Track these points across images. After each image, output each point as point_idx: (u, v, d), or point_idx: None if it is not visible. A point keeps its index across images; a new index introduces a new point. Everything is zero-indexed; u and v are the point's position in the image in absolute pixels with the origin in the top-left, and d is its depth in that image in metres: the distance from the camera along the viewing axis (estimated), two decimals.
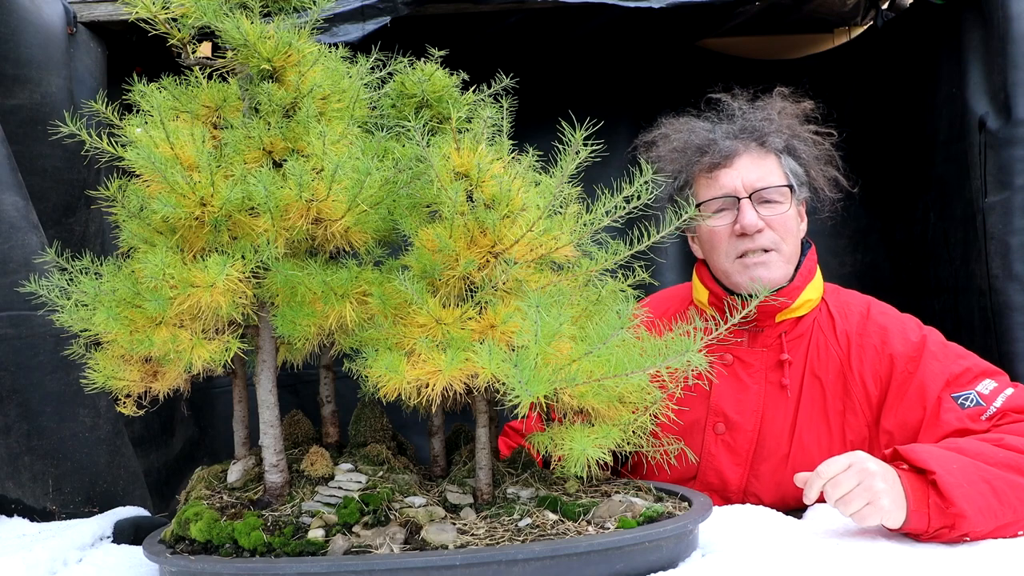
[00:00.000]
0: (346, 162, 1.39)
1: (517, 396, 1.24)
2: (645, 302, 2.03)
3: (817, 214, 2.14)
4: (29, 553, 1.62)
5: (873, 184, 3.00)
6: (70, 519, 2.02)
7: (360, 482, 1.48)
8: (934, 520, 1.52)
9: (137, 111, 1.49)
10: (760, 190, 1.96)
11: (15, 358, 2.01)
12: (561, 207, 1.48)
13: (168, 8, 1.47)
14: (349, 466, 1.54)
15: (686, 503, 1.55)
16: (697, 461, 1.98)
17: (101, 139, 1.43)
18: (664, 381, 1.45)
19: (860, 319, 1.98)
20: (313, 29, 1.54)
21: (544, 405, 1.36)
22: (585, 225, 1.49)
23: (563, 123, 1.38)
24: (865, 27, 3.15)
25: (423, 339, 1.37)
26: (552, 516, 1.44)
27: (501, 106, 1.50)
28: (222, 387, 2.81)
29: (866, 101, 3.13)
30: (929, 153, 2.79)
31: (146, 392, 1.54)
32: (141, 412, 1.55)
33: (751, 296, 1.44)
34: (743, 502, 1.94)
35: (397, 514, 1.41)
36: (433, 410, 1.60)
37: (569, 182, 1.45)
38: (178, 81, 1.54)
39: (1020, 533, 1.58)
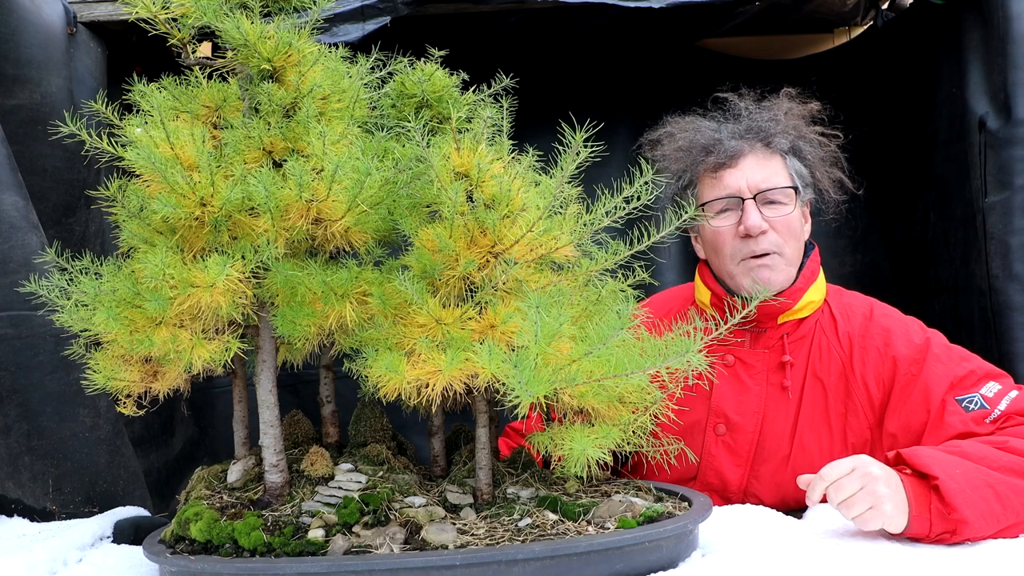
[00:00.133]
0: (346, 162, 1.39)
1: (517, 396, 1.24)
2: (646, 302, 2.03)
3: (821, 215, 2.13)
4: (29, 553, 1.62)
5: (873, 184, 2.99)
6: (70, 519, 2.02)
7: (360, 482, 1.48)
8: (936, 525, 1.52)
9: (137, 111, 1.49)
10: (765, 191, 1.96)
11: (15, 358, 2.01)
12: (561, 207, 1.48)
13: (168, 8, 1.46)
14: (349, 466, 1.54)
15: (686, 503, 1.55)
16: (697, 461, 1.98)
17: (101, 139, 1.43)
18: (664, 381, 1.45)
19: (863, 321, 1.98)
20: (313, 29, 1.54)
21: (544, 405, 1.36)
22: (585, 225, 1.49)
23: (563, 123, 1.38)
24: (865, 27, 3.15)
25: (423, 339, 1.37)
26: (552, 516, 1.44)
27: (501, 106, 1.50)
28: (222, 387, 2.81)
29: (866, 101, 3.13)
30: (929, 153, 2.79)
31: (146, 392, 1.54)
32: (141, 412, 1.55)
33: (753, 297, 1.44)
34: (743, 503, 1.94)
35: (397, 514, 1.41)
36: (433, 410, 1.60)
37: (569, 182, 1.45)
38: (178, 81, 1.54)
39: (1023, 535, 1.58)
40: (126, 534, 1.85)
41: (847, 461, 1.58)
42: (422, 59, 1.69)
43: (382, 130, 1.62)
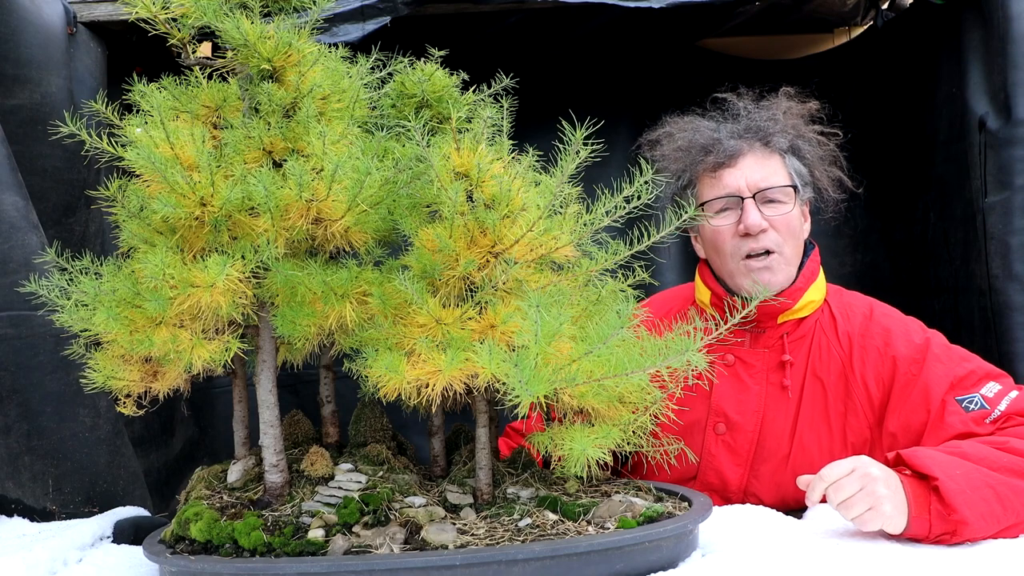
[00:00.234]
0: (346, 162, 1.39)
1: (517, 396, 1.24)
2: (646, 302, 2.03)
3: (821, 214, 2.13)
4: (29, 553, 1.62)
5: (873, 184, 3.00)
6: (70, 519, 2.02)
7: (360, 482, 1.48)
8: (935, 526, 1.52)
9: (137, 111, 1.49)
10: (764, 190, 1.96)
11: (15, 358, 2.01)
12: (561, 207, 1.48)
13: (168, 8, 1.46)
14: (349, 466, 1.54)
15: (686, 503, 1.55)
16: (697, 461, 1.98)
17: (101, 139, 1.43)
18: (664, 381, 1.45)
19: (863, 320, 1.98)
20: (313, 29, 1.54)
21: (544, 405, 1.36)
22: (585, 225, 1.49)
23: (563, 123, 1.38)
24: (865, 27, 3.15)
25: (423, 339, 1.37)
26: (552, 516, 1.44)
27: (501, 106, 1.50)
28: (222, 387, 2.81)
29: (866, 101, 3.13)
30: (929, 153, 2.79)
31: (146, 392, 1.54)
32: (141, 412, 1.55)
33: (753, 297, 1.44)
34: (743, 502, 1.94)
35: (397, 514, 1.41)
36: (433, 410, 1.60)
37: (569, 182, 1.45)
38: (178, 81, 1.54)
39: (1023, 535, 1.58)
40: (126, 534, 1.85)
41: (847, 462, 1.58)
42: (422, 59, 1.69)
43: (382, 130, 1.62)
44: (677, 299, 2.19)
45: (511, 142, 1.48)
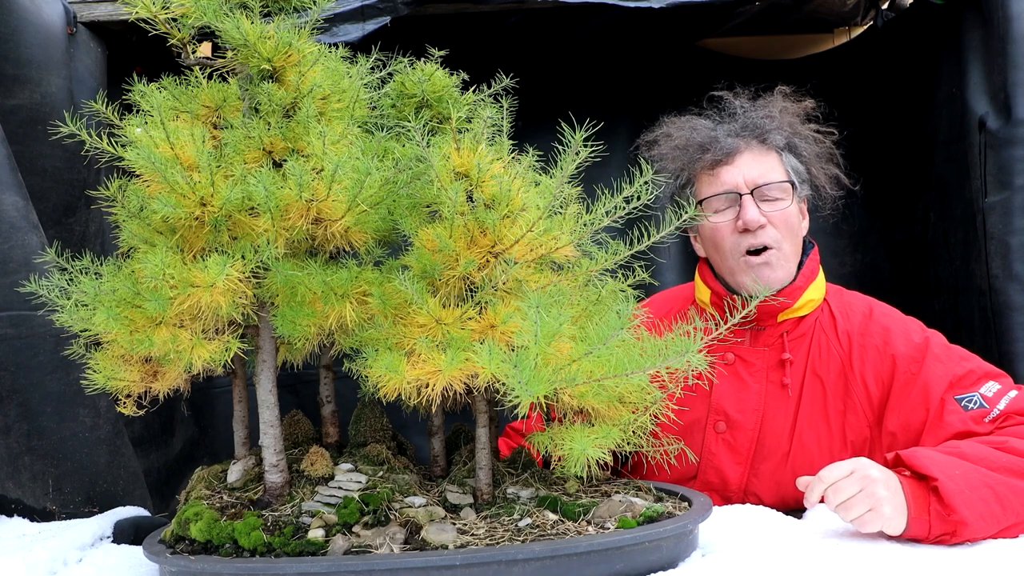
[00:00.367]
0: (346, 162, 1.39)
1: (517, 396, 1.24)
2: (646, 302, 2.03)
3: (819, 212, 2.14)
4: (29, 553, 1.62)
5: (873, 184, 3.00)
6: (70, 519, 2.01)
7: (360, 482, 1.48)
8: (935, 527, 1.52)
9: (137, 111, 1.49)
10: (761, 186, 1.97)
11: (15, 358, 2.01)
12: (561, 207, 1.48)
13: (168, 8, 1.46)
14: (349, 466, 1.54)
15: (686, 503, 1.55)
16: (697, 461, 1.98)
17: (101, 139, 1.43)
18: (664, 381, 1.45)
19: (862, 319, 1.98)
20: (313, 29, 1.54)
21: (544, 405, 1.36)
22: (585, 225, 1.49)
23: (563, 123, 1.38)
24: (865, 27, 3.15)
25: (423, 339, 1.37)
26: (552, 516, 1.44)
27: (501, 106, 1.50)
28: (222, 387, 2.81)
29: (866, 101, 3.13)
30: (929, 153, 2.79)
31: (146, 392, 1.54)
32: (141, 412, 1.55)
33: (753, 296, 1.44)
34: (743, 502, 1.94)
35: (397, 514, 1.41)
36: (433, 410, 1.60)
37: (569, 182, 1.45)
38: (178, 81, 1.54)
39: (1022, 535, 1.58)
40: (126, 534, 1.85)
41: (846, 463, 1.58)
42: (422, 59, 1.69)
43: (382, 130, 1.62)
44: (677, 299, 2.20)
45: (511, 142, 1.48)
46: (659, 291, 2.29)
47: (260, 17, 1.49)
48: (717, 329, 1.40)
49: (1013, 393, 1.78)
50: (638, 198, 1.47)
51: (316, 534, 1.38)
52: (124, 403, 1.54)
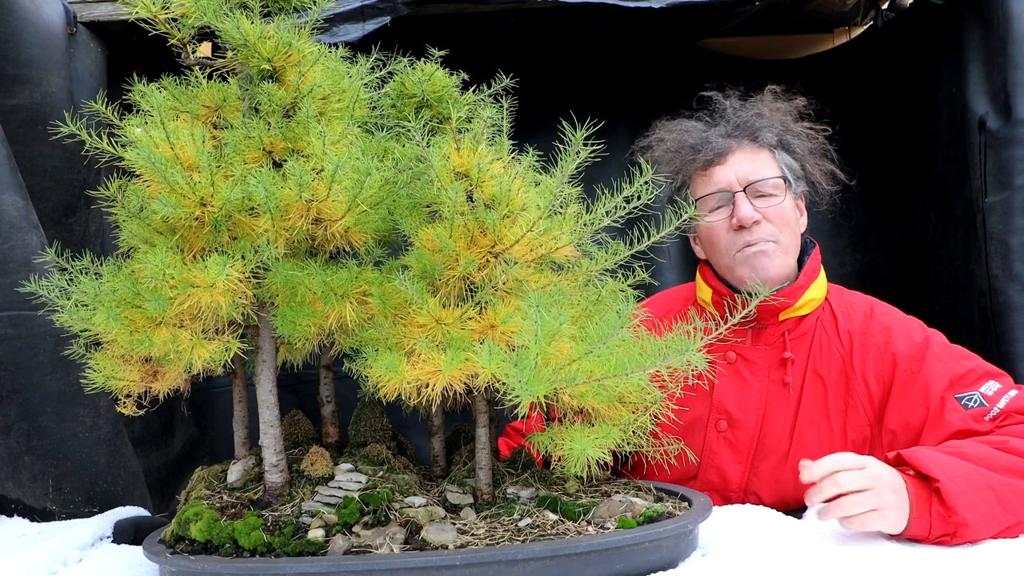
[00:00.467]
0: (346, 162, 1.39)
1: (517, 396, 1.24)
2: (646, 302, 2.03)
3: (816, 207, 2.14)
4: (29, 553, 1.62)
5: (873, 184, 3.00)
6: (70, 519, 2.01)
7: (360, 482, 1.48)
8: (935, 528, 1.51)
9: (137, 111, 1.49)
10: (754, 183, 1.98)
11: (15, 358, 2.01)
12: (561, 207, 1.48)
13: (168, 8, 1.46)
14: (349, 466, 1.54)
15: (686, 503, 1.55)
16: (697, 461, 1.98)
17: (101, 139, 1.43)
18: (665, 381, 1.45)
19: (863, 318, 1.98)
20: (313, 29, 1.54)
21: (544, 405, 1.36)
22: (585, 225, 1.49)
23: (563, 123, 1.38)
24: (865, 27, 3.15)
25: (423, 339, 1.37)
26: (552, 516, 1.44)
27: (501, 106, 1.50)
28: (222, 387, 2.81)
29: (866, 101, 3.13)
30: (929, 153, 2.79)
31: (146, 392, 1.54)
32: (141, 412, 1.55)
33: (754, 294, 1.44)
34: (743, 501, 1.94)
35: (397, 514, 1.41)
36: (433, 410, 1.60)
37: (569, 182, 1.45)
38: (178, 81, 1.54)
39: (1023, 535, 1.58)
40: (126, 534, 1.85)
41: (859, 458, 1.56)
42: (422, 59, 1.69)
43: (382, 130, 1.62)
44: (678, 299, 2.20)
45: (511, 142, 1.48)
46: (659, 291, 2.29)
47: (260, 17, 1.49)
48: (717, 328, 1.40)
49: (1013, 392, 1.78)
50: (638, 198, 1.47)
51: (316, 534, 1.38)
52: (124, 403, 1.54)
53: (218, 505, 1.51)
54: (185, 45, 1.50)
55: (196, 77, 1.53)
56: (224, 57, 1.52)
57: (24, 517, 2.05)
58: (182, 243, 1.42)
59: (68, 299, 1.45)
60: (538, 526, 1.40)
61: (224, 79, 1.55)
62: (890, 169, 3.03)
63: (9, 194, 2.02)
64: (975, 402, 1.77)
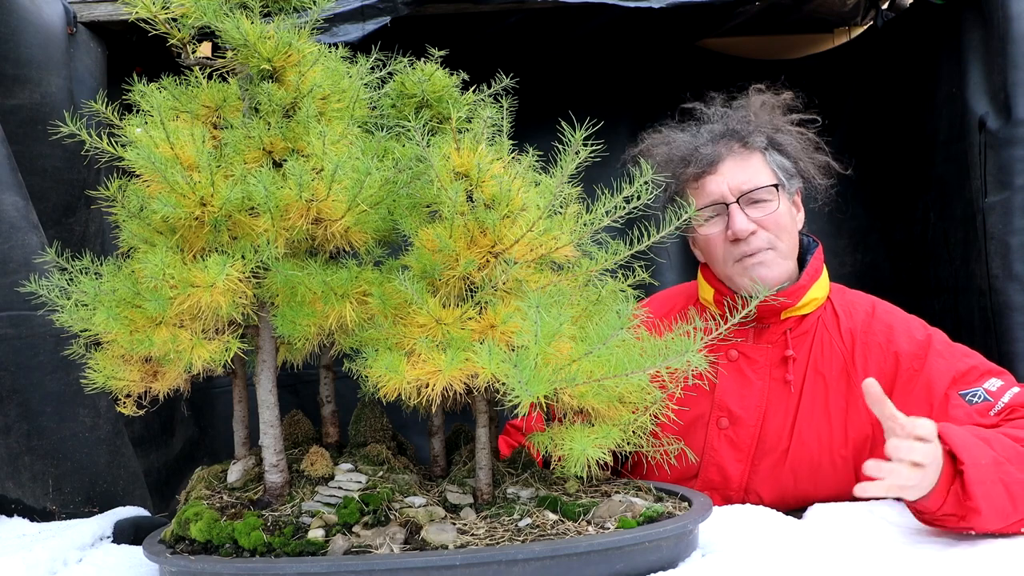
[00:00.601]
0: (346, 162, 1.39)
1: (517, 396, 1.24)
2: (647, 302, 2.03)
3: (814, 202, 2.14)
4: (29, 553, 1.62)
5: (873, 184, 3.00)
6: (70, 519, 2.01)
7: (360, 482, 1.48)
8: (948, 505, 1.51)
9: (137, 111, 1.49)
10: (747, 192, 1.97)
11: (15, 358, 2.01)
12: (561, 207, 1.48)
13: (168, 8, 1.46)
14: (349, 466, 1.54)
15: (686, 503, 1.55)
16: (698, 461, 1.98)
17: (101, 139, 1.43)
18: (665, 380, 1.45)
19: (865, 317, 1.98)
20: (313, 29, 1.54)
21: (544, 405, 1.36)
22: (585, 225, 1.49)
23: (563, 123, 1.38)
24: (865, 27, 3.15)
25: (423, 339, 1.37)
26: (552, 516, 1.44)
27: (501, 106, 1.50)
28: (222, 387, 2.80)
29: (866, 101, 3.13)
30: (929, 153, 2.79)
31: (146, 392, 1.54)
32: (141, 412, 1.55)
33: (756, 295, 1.44)
34: (743, 500, 1.94)
35: (397, 514, 1.41)
36: (433, 410, 1.60)
37: (569, 182, 1.45)
38: (178, 81, 1.54)
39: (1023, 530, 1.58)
40: (126, 534, 1.85)
41: (931, 427, 1.53)
42: (422, 59, 1.69)
43: (382, 130, 1.62)
44: (678, 298, 2.20)
45: (511, 142, 1.48)
46: (659, 291, 2.29)
47: (260, 17, 1.49)
48: (718, 328, 1.40)
49: (1016, 389, 1.79)
50: (638, 198, 1.47)
51: (316, 534, 1.38)
52: (124, 403, 1.54)
53: (218, 505, 1.51)
54: (185, 45, 1.50)
55: (196, 77, 1.53)
56: (224, 57, 1.52)
57: (24, 517, 2.05)
58: (182, 243, 1.42)
59: (68, 299, 1.45)
60: (538, 526, 1.40)
61: (224, 79, 1.55)
62: (890, 169, 3.03)
63: (9, 194, 2.02)
64: (979, 398, 1.78)
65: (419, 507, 1.43)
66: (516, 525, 1.41)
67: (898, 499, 1.57)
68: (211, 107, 1.53)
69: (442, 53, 1.69)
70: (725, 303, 1.55)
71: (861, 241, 3.19)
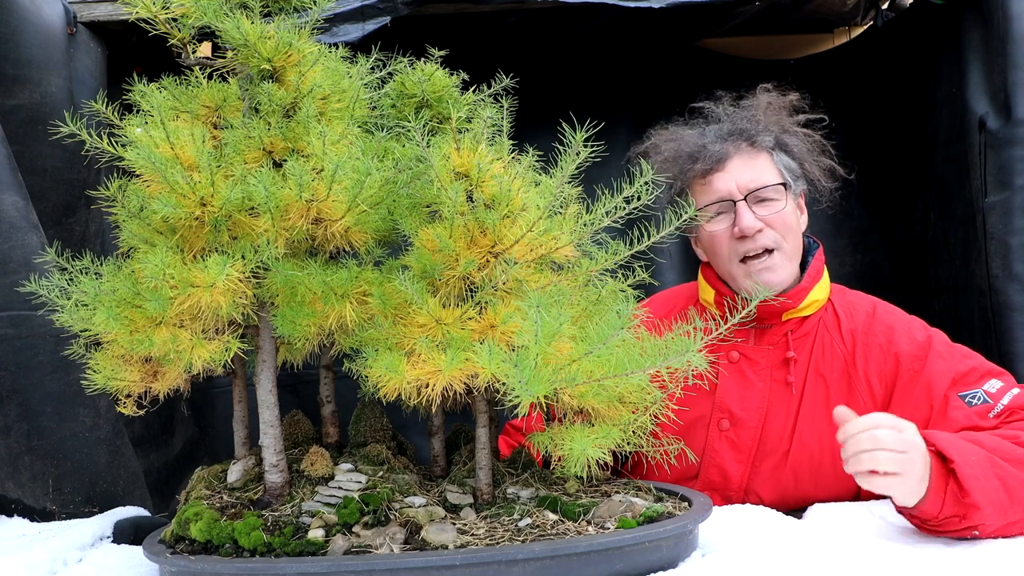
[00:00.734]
0: (346, 162, 1.39)
1: (517, 396, 1.24)
2: (647, 302, 2.03)
3: (817, 205, 2.14)
4: (29, 553, 1.62)
5: (873, 184, 3.00)
6: (70, 519, 2.02)
7: (360, 482, 1.48)
8: (947, 507, 1.51)
9: (137, 111, 1.49)
10: (755, 191, 1.97)
11: (15, 358, 2.01)
12: (561, 207, 1.48)
13: (168, 8, 1.46)
14: (349, 466, 1.54)
15: (686, 503, 1.55)
16: (698, 461, 1.98)
17: (101, 139, 1.43)
18: (665, 381, 1.45)
19: (866, 318, 1.98)
20: (313, 29, 1.54)
21: (544, 405, 1.36)
22: (585, 225, 1.49)
23: (563, 123, 1.38)
24: (865, 27, 3.15)
25: (423, 339, 1.37)
26: (552, 516, 1.44)
27: (501, 106, 1.50)
28: (222, 387, 2.81)
29: (866, 101, 3.13)
30: (929, 153, 2.79)
31: (146, 392, 1.54)
32: (141, 412, 1.55)
33: (758, 296, 1.44)
34: (744, 501, 1.94)
35: (397, 514, 1.41)
36: (433, 410, 1.60)
37: (569, 182, 1.45)
38: (178, 81, 1.54)
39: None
40: (126, 534, 1.85)
41: (897, 420, 1.55)
42: (422, 59, 1.69)
43: (382, 130, 1.62)
44: (678, 298, 2.20)
45: (511, 142, 1.48)
46: (659, 291, 2.29)
47: (260, 17, 1.49)
48: (718, 328, 1.40)
49: (1016, 390, 1.79)
50: (638, 198, 1.47)
51: (316, 534, 1.38)
52: (124, 403, 1.54)
53: (218, 505, 1.51)
54: (185, 45, 1.50)
55: (196, 77, 1.53)
56: (224, 57, 1.52)
57: (24, 517, 2.05)
58: (182, 243, 1.42)
59: (68, 299, 1.45)
60: (538, 526, 1.40)
61: (224, 79, 1.55)
62: (890, 169, 3.03)
63: (9, 194, 2.02)
64: (979, 399, 1.78)
65: (419, 507, 1.43)
66: (516, 525, 1.41)
67: (900, 511, 1.57)
68: (211, 107, 1.53)
69: (442, 53, 1.69)
70: (725, 304, 1.55)
71: (861, 241, 3.19)
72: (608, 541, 1.34)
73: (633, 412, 1.51)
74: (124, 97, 1.51)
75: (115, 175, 1.51)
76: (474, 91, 1.68)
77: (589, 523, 1.42)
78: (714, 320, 1.41)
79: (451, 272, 1.40)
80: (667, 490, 1.62)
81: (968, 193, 2.50)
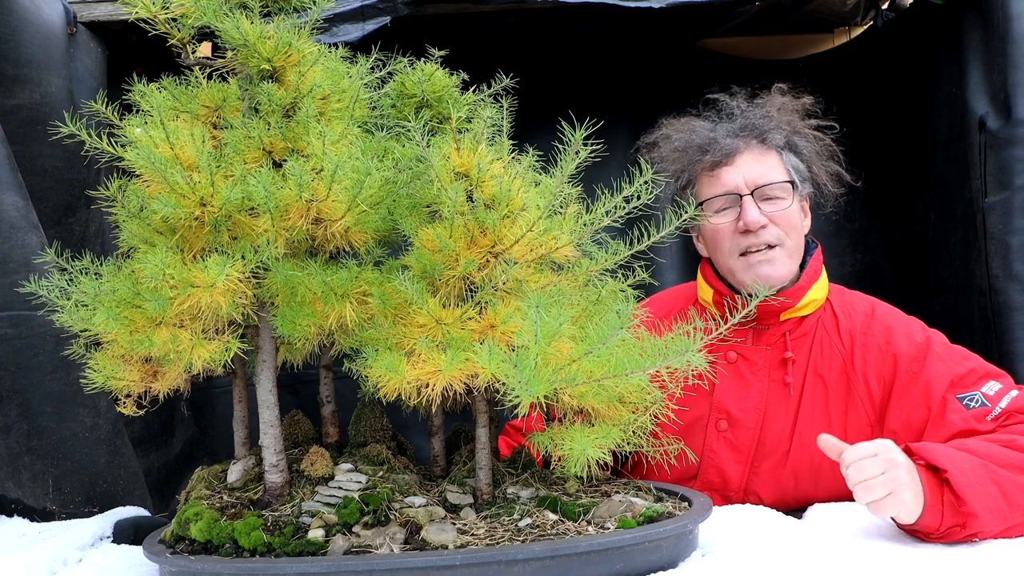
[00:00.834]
0: (346, 162, 1.39)
1: (517, 396, 1.24)
2: (646, 302, 2.03)
3: (821, 209, 2.14)
4: (29, 553, 1.62)
5: (873, 184, 3.00)
6: (70, 519, 2.02)
7: (360, 482, 1.48)
8: (947, 518, 1.51)
9: (137, 111, 1.49)
10: (762, 186, 1.97)
11: (15, 358, 2.01)
12: (561, 207, 1.48)
13: (168, 8, 1.46)
14: (349, 466, 1.54)
15: (686, 503, 1.55)
16: (697, 461, 1.98)
17: (101, 139, 1.43)
18: (664, 381, 1.45)
19: (864, 319, 1.98)
20: (313, 29, 1.54)
21: (544, 405, 1.36)
22: (585, 225, 1.49)
23: (563, 123, 1.38)
24: (865, 27, 3.15)
25: (423, 339, 1.37)
26: (552, 516, 1.44)
27: (501, 106, 1.50)
28: (222, 387, 2.81)
29: (866, 101, 3.13)
30: (929, 153, 2.79)
31: (146, 392, 1.54)
32: (141, 412, 1.55)
33: (755, 295, 1.44)
34: (743, 501, 1.94)
35: (397, 514, 1.41)
36: (433, 410, 1.60)
37: (569, 182, 1.45)
38: (178, 81, 1.54)
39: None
40: (126, 534, 1.85)
41: (871, 444, 1.56)
42: (422, 59, 1.69)
43: (382, 130, 1.62)
44: (678, 298, 2.20)
45: (511, 142, 1.48)
46: (659, 291, 2.29)
47: (260, 17, 1.49)
48: (718, 328, 1.40)
49: (1014, 392, 1.78)
50: (638, 198, 1.47)
51: (316, 534, 1.38)
52: (124, 403, 1.54)
53: (218, 505, 1.51)
54: (185, 45, 1.50)
55: (196, 77, 1.53)
56: (224, 57, 1.52)
57: (24, 517, 2.05)
58: (182, 243, 1.42)
59: (68, 299, 1.45)
60: (538, 526, 1.40)
61: (224, 79, 1.55)
62: (890, 169, 3.03)
63: (9, 194, 2.02)
64: (977, 402, 1.77)
65: (419, 507, 1.43)
66: (516, 525, 1.41)
67: (903, 528, 1.57)
68: (211, 107, 1.53)
69: (442, 53, 1.69)
70: (724, 303, 1.55)
71: (861, 241, 3.19)
72: (608, 541, 1.34)
73: (633, 412, 1.51)
74: (124, 97, 1.51)
75: (115, 175, 1.51)
76: (474, 91, 1.68)
77: (589, 523, 1.42)
78: (713, 320, 1.41)
79: (451, 272, 1.40)
80: (667, 490, 1.62)
81: (968, 193, 2.50)
